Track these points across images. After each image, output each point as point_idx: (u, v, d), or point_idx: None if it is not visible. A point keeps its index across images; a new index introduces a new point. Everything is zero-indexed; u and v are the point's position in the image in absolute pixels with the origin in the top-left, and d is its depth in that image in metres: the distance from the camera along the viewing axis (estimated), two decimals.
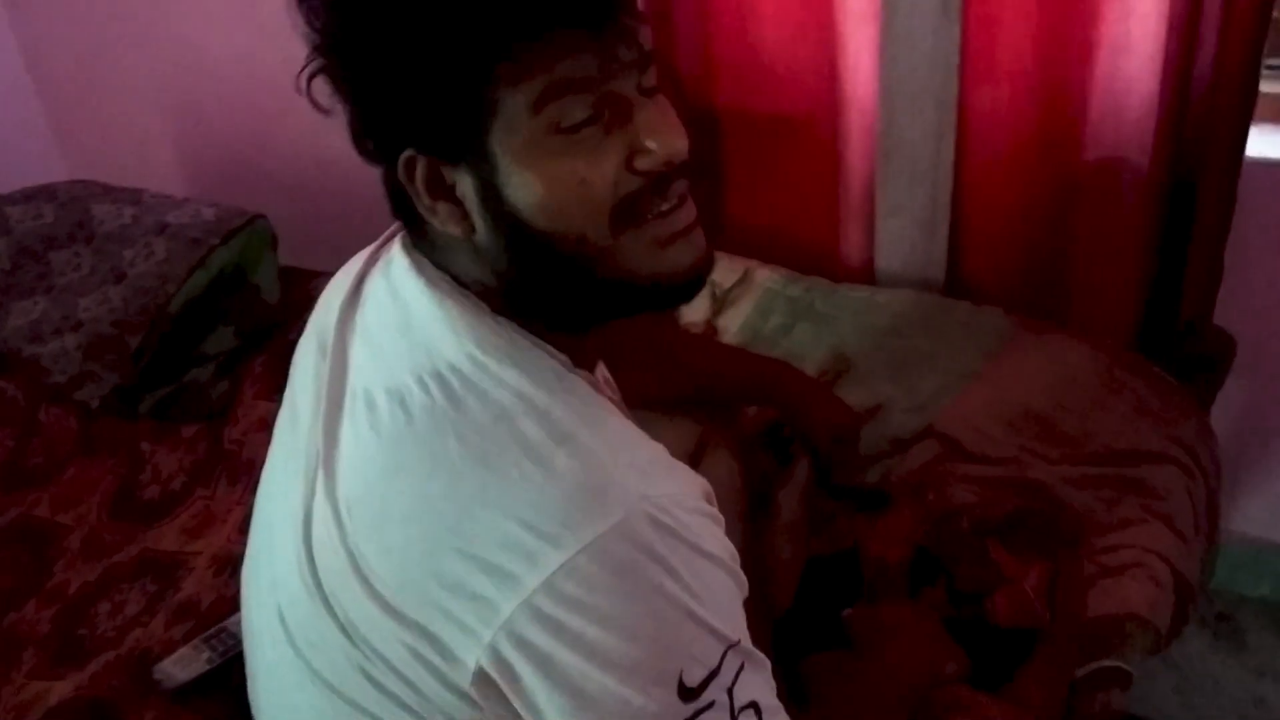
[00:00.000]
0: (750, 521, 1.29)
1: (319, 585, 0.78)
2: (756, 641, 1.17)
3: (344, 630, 0.77)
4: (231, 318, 1.80)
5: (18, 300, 1.82)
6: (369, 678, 0.77)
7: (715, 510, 0.78)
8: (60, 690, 1.25)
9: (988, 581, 1.28)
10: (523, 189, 0.75)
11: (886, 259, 1.77)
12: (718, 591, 0.74)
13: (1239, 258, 1.58)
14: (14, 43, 2.44)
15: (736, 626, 0.75)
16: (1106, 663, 1.21)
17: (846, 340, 1.65)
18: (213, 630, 1.27)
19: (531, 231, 0.76)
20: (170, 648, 1.27)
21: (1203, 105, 1.46)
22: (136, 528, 1.50)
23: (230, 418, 1.66)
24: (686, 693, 0.71)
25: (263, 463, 0.95)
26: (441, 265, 0.81)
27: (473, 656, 0.70)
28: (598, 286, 0.78)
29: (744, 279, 1.78)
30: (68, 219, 1.91)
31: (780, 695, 1.15)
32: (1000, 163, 1.61)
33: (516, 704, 0.71)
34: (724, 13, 1.73)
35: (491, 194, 0.76)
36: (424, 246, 0.82)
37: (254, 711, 0.95)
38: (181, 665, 1.24)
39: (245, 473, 1.55)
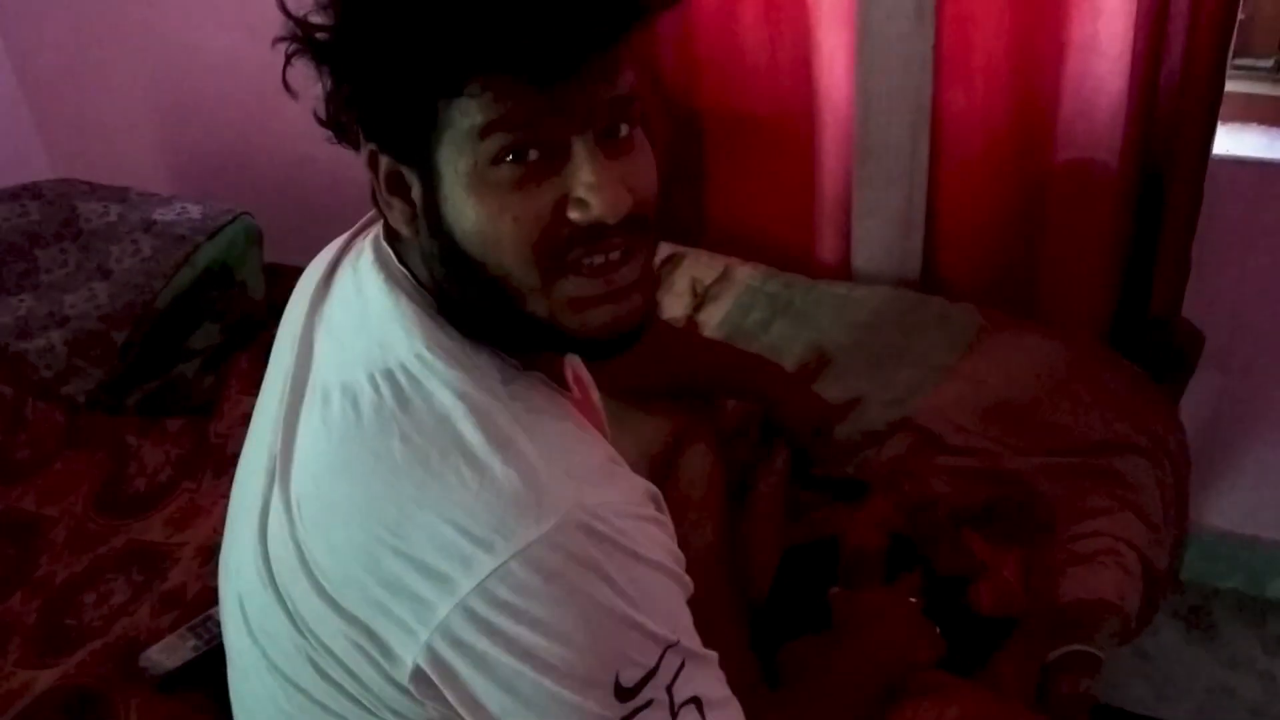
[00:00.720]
0: (727, 513, 1.31)
1: (271, 577, 0.80)
2: (732, 629, 1.20)
3: (294, 622, 0.79)
4: (217, 314, 1.82)
5: (4, 297, 1.82)
6: (317, 669, 0.79)
7: (659, 514, 0.80)
8: (47, 678, 1.26)
9: (965, 568, 1.30)
10: (459, 211, 0.75)
11: (863, 258, 1.79)
12: (655, 594, 0.75)
13: (1208, 254, 1.61)
14: None
15: (676, 626, 0.77)
16: (1076, 647, 1.23)
17: (825, 335, 1.67)
18: (199, 619, 1.29)
19: (464, 253, 0.76)
20: (157, 636, 1.29)
21: (1170, 104, 1.49)
22: (123, 520, 1.52)
23: (216, 412, 1.68)
24: (623, 692, 0.73)
25: None
26: (404, 261, 0.83)
27: (410, 655, 0.72)
28: (523, 321, 0.78)
29: (724, 275, 1.80)
30: (54, 216, 1.92)
31: (756, 682, 1.18)
32: (975, 162, 1.64)
33: (454, 701, 0.73)
34: (706, 13, 1.76)
35: (433, 207, 0.77)
36: (394, 242, 0.84)
37: (230, 695, 0.97)
38: (168, 653, 1.25)
39: (230, 466, 1.54)
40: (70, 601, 1.39)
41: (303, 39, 0.75)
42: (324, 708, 0.80)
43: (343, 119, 0.79)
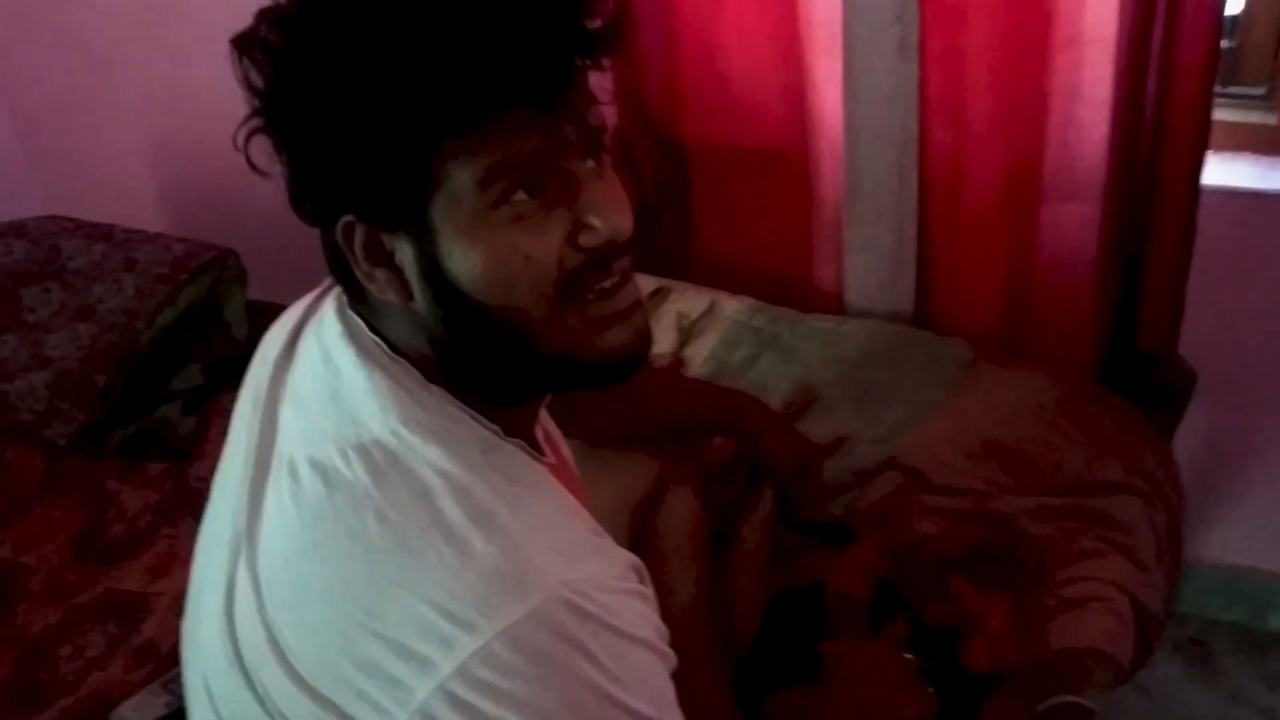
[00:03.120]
0: (709, 560, 1.29)
1: (239, 658, 0.78)
2: (714, 680, 1.18)
3: (262, 704, 0.76)
4: (200, 354, 1.80)
5: None
6: None
7: (644, 586, 0.78)
8: None
9: (951, 617, 1.28)
10: (465, 262, 0.74)
11: (856, 293, 1.78)
12: (639, 672, 0.74)
13: (1201, 286, 1.58)
14: None
15: (661, 704, 0.75)
16: (1067, 698, 1.21)
17: (812, 371, 1.65)
18: (172, 674, 1.27)
19: (472, 303, 0.75)
20: (129, 691, 1.27)
21: (1154, 143, 1.47)
22: (100, 568, 1.50)
23: (197, 455, 1.66)
24: None
25: None
26: (377, 330, 0.80)
27: None
28: (535, 361, 0.78)
29: (711, 310, 1.78)
30: (38, 255, 1.90)
31: None
32: (963, 199, 1.62)
33: None
34: (690, 44, 1.74)
35: (431, 264, 0.75)
36: (361, 309, 0.82)
37: None
38: (139, 710, 1.24)
39: None
40: (45, 654, 1.37)
41: (267, 117, 0.74)
42: None
43: (304, 201, 0.77)
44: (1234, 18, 1.64)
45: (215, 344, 1.82)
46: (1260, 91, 1.68)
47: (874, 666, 1.21)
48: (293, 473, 0.78)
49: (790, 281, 1.84)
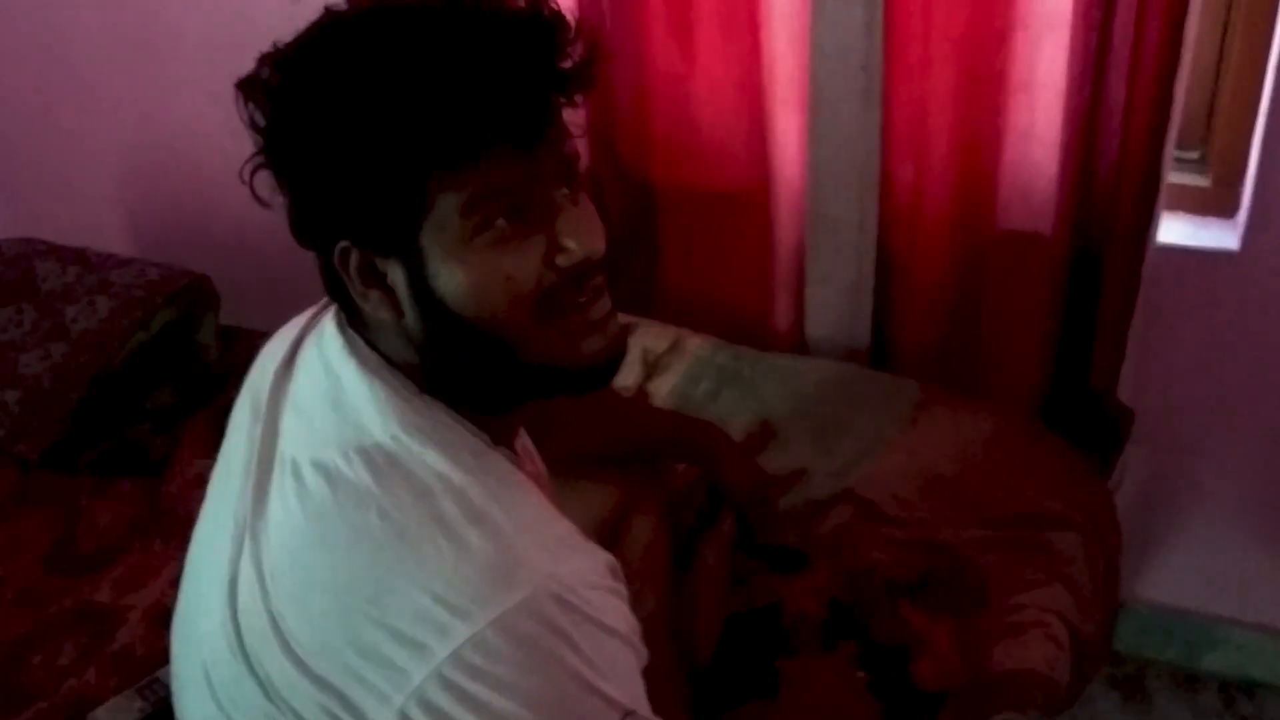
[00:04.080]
0: (671, 581, 1.34)
1: (242, 645, 0.82)
2: (673, 695, 1.23)
3: (264, 689, 0.80)
4: (172, 375, 1.84)
5: None
6: None
7: (620, 585, 0.85)
8: None
9: (901, 637, 1.34)
10: (451, 281, 0.81)
11: (815, 325, 1.85)
12: (616, 663, 0.80)
13: (1138, 335, 1.67)
14: None
15: (634, 695, 0.81)
16: (1007, 717, 1.27)
17: (771, 406, 1.72)
18: (145, 680, 1.30)
19: (458, 318, 0.82)
20: (104, 697, 1.29)
21: (1107, 190, 1.57)
22: (72, 580, 1.52)
23: (168, 474, 1.69)
24: None
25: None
26: (373, 344, 0.87)
27: None
28: (519, 370, 0.84)
29: (675, 346, 1.85)
30: (10, 276, 1.93)
31: None
32: (920, 237, 1.71)
33: None
34: (661, 94, 1.82)
35: (421, 284, 0.82)
36: (357, 326, 0.88)
37: None
38: (114, 714, 1.26)
39: (181, 528, 1.55)
40: (17, 662, 1.39)
41: (269, 152, 0.80)
42: None
43: (304, 229, 0.84)
44: None
45: (188, 366, 1.85)
46: (1194, 155, 1.78)
47: (827, 683, 1.27)
48: (296, 474, 0.83)
49: (750, 320, 1.91)
